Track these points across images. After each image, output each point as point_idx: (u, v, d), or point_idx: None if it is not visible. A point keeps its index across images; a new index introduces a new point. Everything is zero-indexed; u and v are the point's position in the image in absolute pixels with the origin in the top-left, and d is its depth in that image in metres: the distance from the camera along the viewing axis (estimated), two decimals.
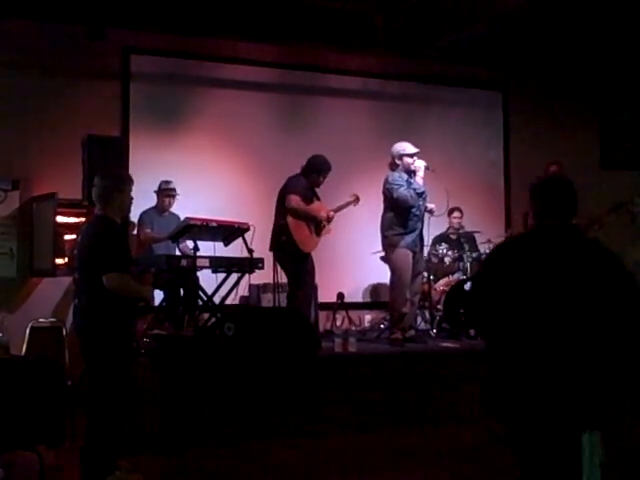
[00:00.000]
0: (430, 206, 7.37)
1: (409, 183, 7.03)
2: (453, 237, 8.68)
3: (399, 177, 7.04)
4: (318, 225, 7.24)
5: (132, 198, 4.78)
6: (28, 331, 7.15)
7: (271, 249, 7.13)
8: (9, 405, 4.57)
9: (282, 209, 7.10)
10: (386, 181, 7.08)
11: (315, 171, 7.22)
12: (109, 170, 4.96)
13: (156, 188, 7.65)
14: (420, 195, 7.02)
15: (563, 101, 9.97)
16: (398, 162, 7.10)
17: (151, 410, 5.59)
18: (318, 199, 7.38)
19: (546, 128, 9.99)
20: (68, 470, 4.96)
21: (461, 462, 5.12)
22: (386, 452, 5.37)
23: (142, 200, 7.64)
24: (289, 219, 7.02)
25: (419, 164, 7.09)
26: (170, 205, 7.66)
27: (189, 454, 5.25)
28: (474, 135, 9.81)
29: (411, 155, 7.08)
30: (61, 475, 4.89)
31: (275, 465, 5.06)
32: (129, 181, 4.73)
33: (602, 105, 10.31)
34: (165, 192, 7.63)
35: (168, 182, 7.66)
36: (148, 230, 7.47)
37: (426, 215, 7.28)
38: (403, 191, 6.93)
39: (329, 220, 7.37)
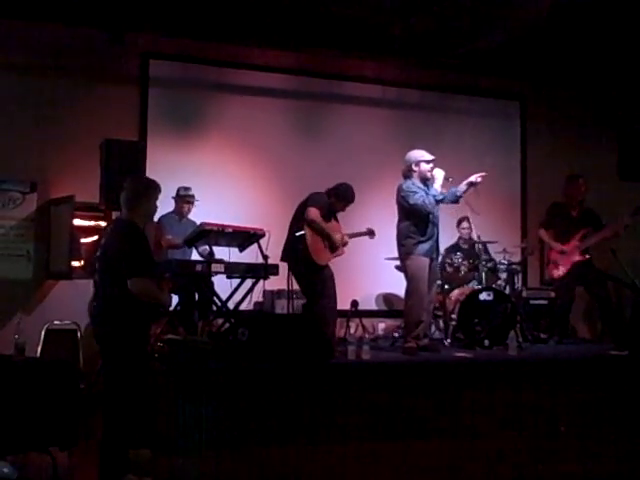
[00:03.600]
0: (476, 178, 7.06)
1: (425, 191, 6.99)
2: (465, 247, 8.64)
3: (413, 185, 7.00)
4: (333, 244, 7.21)
5: (157, 206, 4.85)
6: (43, 333, 7.20)
7: (282, 259, 7.12)
8: (23, 406, 4.60)
9: (300, 222, 7.07)
10: (400, 189, 7.03)
11: (335, 196, 7.19)
12: (138, 176, 4.96)
13: (173, 193, 7.66)
14: (438, 203, 6.99)
15: (581, 111, 9.94)
16: (415, 169, 7.03)
17: (164, 414, 5.60)
18: (337, 221, 7.36)
19: (563, 138, 9.96)
20: (80, 472, 4.99)
21: (469, 472, 5.10)
22: (397, 461, 5.35)
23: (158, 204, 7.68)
24: (306, 230, 7.01)
25: (438, 174, 7.01)
26: (189, 211, 7.65)
27: (202, 458, 5.25)
28: (491, 144, 9.78)
29: (428, 162, 7.04)
30: (73, 477, 4.91)
31: (286, 471, 5.05)
32: (157, 189, 4.80)
33: (620, 115, 10.25)
34: (184, 198, 7.63)
35: (187, 188, 7.65)
36: (169, 237, 7.45)
37: (441, 224, 7.25)
38: (419, 197, 6.89)
39: (344, 244, 7.36)
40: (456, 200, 7.08)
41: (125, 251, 4.56)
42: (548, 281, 8.98)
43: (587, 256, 7.90)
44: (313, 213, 7.01)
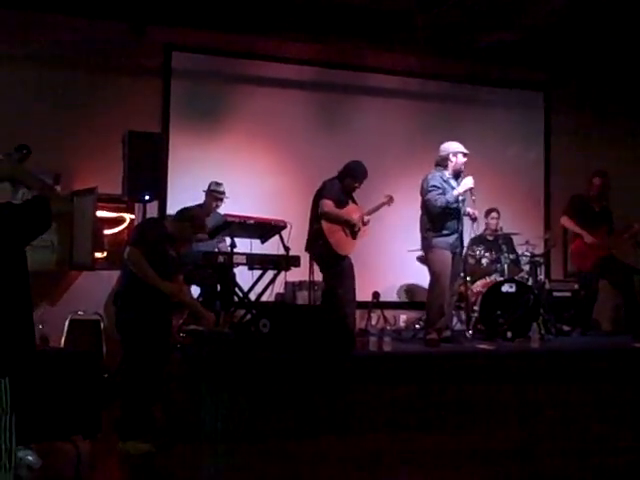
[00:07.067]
0: (473, 212, 7.27)
1: (450, 187, 6.92)
2: (490, 238, 8.60)
3: (440, 177, 6.96)
4: (352, 229, 7.22)
5: (188, 239, 5.59)
6: (67, 324, 7.24)
7: (306, 250, 7.16)
8: (47, 396, 4.64)
9: (316, 213, 7.11)
10: (425, 180, 7.00)
11: (349, 176, 7.19)
12: (204, 220, 5.75)
13: (195, 185, 7.65)
14: (453, 209, 6.90)
15: (605, 101, 9.83)
16: (453, 159, 6.98)
17: (185, 404, 5.64)
18: (354, 202, 7.35)
19: (588, 129, 9.87)
20: (103, 460, 5.03)
21: (492, 465, 5.08)
22: (418, 452, 5.34)
23: (179, 195, 7.71)
24: (323, 223, 7.03)
25: (467, 183, 6.88)
26: (217, 207, 7.56)
27: (223, 448, 5.27)
28: (514, 136, 9.73)
29: (465, 154, 7.01)
30: (96, 465, 4.95)
31: (306, 462, 5.06)
32: (200, 231, 5.61)
33: None
34: (215, 194, 7.53)
35: (219, 184, 7.56)
36: None
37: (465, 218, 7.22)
38: (434, 195, 6.84)
39: (364, 224, 7.35)
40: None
41: (140, 226, 5.58)
42: (572, 272, 8.88)
43: (611, 251, 7.86)
44: (326, 205, 7.04)
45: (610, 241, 7.88)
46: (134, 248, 5.09)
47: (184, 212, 5.50)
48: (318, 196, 7.16)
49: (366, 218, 7.38)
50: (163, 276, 5.11)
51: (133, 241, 5.25)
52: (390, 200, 7.67)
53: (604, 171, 8.15)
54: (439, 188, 6.89)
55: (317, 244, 7.06)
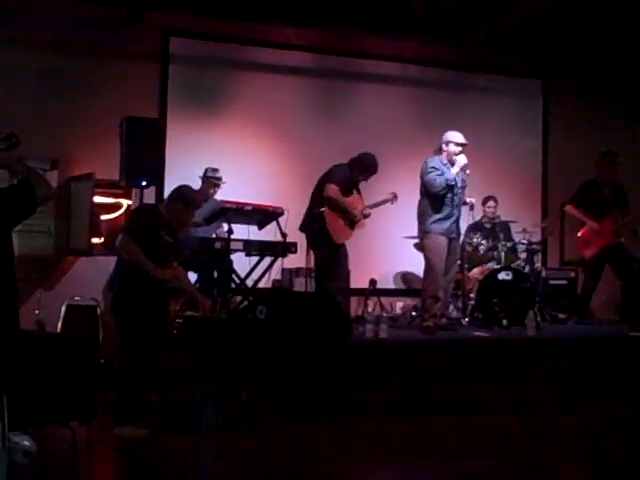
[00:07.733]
0: (470, 200, 7.32)
1: (449, 170, 6.97)
2: (487, 226, 8.62)
3: (439, 161, 7.03)
4: (352, 219, 7.21)
5: (184, 219, 5.40)
6: (64, 309, 7.24)
7: (301, 229, 7.15)
8: (43, 381, 4.65)
9: (320, 196, 7.08)
10: (424, 162, 7.07)
11: (360, 167, 7.17)
12: (189, 187, 5.53)
13: (193, 170, 7.63)
14: (450, 188, 6.95)
15: (604, 89, 9.81)
16: (445, 148, 7.08)
17: (181, 391, 5.65)
18: (358, 192, 7.35)
19: (586, 117, 9.86)
20: (99, 445, 5.05)
21: (487, 453, 5.10)
22: (414, 437, 5.37)
23: (177, 181, 7.67)
24: (325, 209, 7.01)
25: (460, 160, 6.99)
26: (214, 194, 7.50)
27: (219, 435, 5.29)
28: (512, 123, 9.72)
29: (457, 144, 7.04)
30: (92, 450, 4.97)
31: (302, 448, 5.08)
32: (187, 204, 5.34)
33: None
34: (211, 180, 7.47)
35: (215, 170, 7.50)
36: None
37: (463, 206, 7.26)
38: (432, 176, 6.92)
39: (365, 216, 7.35)
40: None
41: (133, 213, 5.59)
42: (577, 261, 8.83)
43: (621, 239, 7.85)
44: (331, 190, 7.01)
45: (618, 227, 7.83)
46: (126, 235, 5.09)
47: (176, 192, 5.41)
48: (324, 179, 7.14)
49: (367, 211, 7.38)
50: (158, 262, 5.09)
51: (125, 228, 5.27)
52: (394, 198, 7.70)
53: (615, 151, 8.10)
54: (437, 170, 6.95)
55: (314, 227, 7.04)
